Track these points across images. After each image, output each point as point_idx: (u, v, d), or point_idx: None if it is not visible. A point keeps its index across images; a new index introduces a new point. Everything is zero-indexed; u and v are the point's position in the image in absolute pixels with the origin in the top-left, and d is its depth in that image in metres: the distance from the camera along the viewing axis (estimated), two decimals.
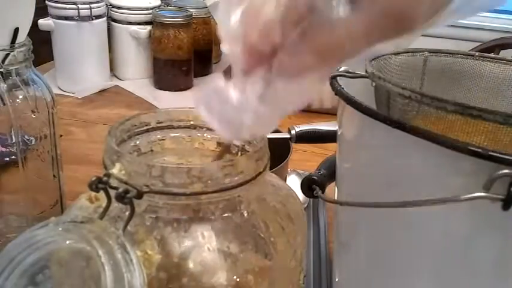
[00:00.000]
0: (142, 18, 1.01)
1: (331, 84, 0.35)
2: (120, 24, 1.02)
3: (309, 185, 0.41)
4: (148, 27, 1.01)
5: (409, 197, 0.28)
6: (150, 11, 1.01)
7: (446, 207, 0.27)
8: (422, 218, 0.31)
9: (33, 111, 0.47)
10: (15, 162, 0.47)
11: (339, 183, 0.40)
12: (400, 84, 0.30)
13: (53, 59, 0.99)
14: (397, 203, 0.29)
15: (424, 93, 0.28)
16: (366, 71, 0.34)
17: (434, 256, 0.32)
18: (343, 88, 0.34)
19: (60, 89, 0.97)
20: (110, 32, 1.02)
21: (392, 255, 0.34)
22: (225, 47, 0.24)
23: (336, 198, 0.41)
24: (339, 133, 0.39)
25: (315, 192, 0.40)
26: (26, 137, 0.47)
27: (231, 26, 0.22)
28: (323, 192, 0.41)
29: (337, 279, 0.42)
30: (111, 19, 1.02)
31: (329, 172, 0.43)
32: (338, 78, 0.35)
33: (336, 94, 0.34)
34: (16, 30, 0.44)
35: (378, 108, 0.35)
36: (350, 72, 0.35)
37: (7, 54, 0.44)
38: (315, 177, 0.41)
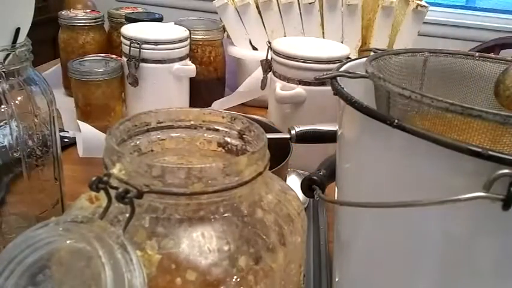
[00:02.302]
0: None
1: (332, 85, 0.35)
2: None
3: (309, 185, 0.41)
4: None
5: (409, 197, 0.28)
6: None
7: (446, 207, 0.27)
8: (422, 218, 0.31)
9: (34, 113, 0.47)
10: (17, 162, 0.47)
11: (339, 183, 0.40)
12: (400, 85, 0.30)
13: (53, 59, 0.98)
14: (397, 203, 0.29)
15: (424, 93, 0.28)
16: (366, 71, 0.34)
17: (435, 256, 0.32)
18: (343, 88, 0.34)
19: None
20: None
21: (393, 255, 0.34)
22: None
23: (336, 198, 0.41)
24: (339, 133, 0.39)
25: (315, 192, 0.40)
26: (27, 137, 0.47)
27: None
28: (323, 192, 0.41)
29: (337, 279, 0.42)
30: None
31: (329, 172, 0.43)
32: (338, 78, 0.35)
33: (335, 94, 0.34)
34: (17, 30, 0.44)
35: (378, 108, 0.35)
36: (350, 73, 0.35)
37: (8, 54, 0.44)
38: (315, 177, 0.41)
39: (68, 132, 0.76)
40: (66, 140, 0.74)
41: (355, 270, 0.39)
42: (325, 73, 0.36)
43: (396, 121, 0.28)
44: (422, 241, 0.32)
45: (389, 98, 0.33)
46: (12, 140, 0.46)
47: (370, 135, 0.33)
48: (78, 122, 0.66)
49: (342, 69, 0.39)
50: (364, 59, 0.37)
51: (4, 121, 0.45)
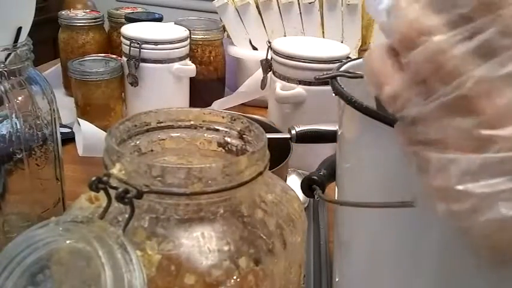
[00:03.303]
0: None
1: (332, 84, 0.35)
2: None
3: (309, 185, 0.41)
4: None
5: (409, 197, 0.28)
6: None
7: None
8: (422, 217, 0.31)
9: (35, 113, 0.47)
10: (18, 161, 0.47)
11: (339, 183, 0.40)
12: None
13: (53, 59, 0.98)
14: (397, 203, 0.29)
15: None
16: None
17: (434, 256, 0.32)
18: (343, 88, 0.34)
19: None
20: None
21: (393, 255, 0.34)
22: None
23: (336, 198, 0.41)
24: (339, 133, 0.39)
25: (315, 192, 0.40)
26: (28, 136, 0.47)
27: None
28: (323, 192, 0.41)
29: (337, 279, 0.42)
30: None
31: (329, 172, 0.43)
32: (338, 78, 0.35)
33: (336, 94, 0.34)
34: (18, 30, 0.44)
35: (377, 108, 0.35)
36: (350, 72, 0.35)
37: (9, 54, 0.44)
38: (315, 177, 0.41)
39: (70, 129, 0.74)
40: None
41: (355, 270, 0.39)
42: (325, 73, 0.36)
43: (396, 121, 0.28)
44: (422, 241, 0.32)
45: None
46: (13, 139, 0.46)
47: (370, 135, 0.33)
48: (79, 119, 0.66)
49: (342, 69, 0.39)
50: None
51: (6, 120, 0.45)
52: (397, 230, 0.33)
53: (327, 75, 0.35)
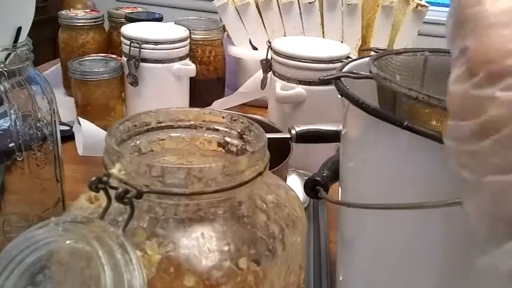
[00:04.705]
0: None
1: (336, 85, 0.35)
2: None
3: (313, 187, 0.41)
4: None
5: (413, 198, 0.28)
6: None
7: (450, 209, 0.27)
8: (425, 218, 0.30)
9: (35, 113, 0.46)
10: (18, 162, 0.47)
11: (342, 183, 0.40)
12: (407, 85, 0.30)
13: (53, 59, 0.98)
14: (401, 205, 0.29)
15: (431, 94, 0.28)
16: (370, 72, 0.34)
17: (437, 256, 0.32)
18: (348, 88, 0.34)
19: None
20: None
21: (396, 255, 0.34)
22: None
23: (339, 198, 0.41)
24: (342, 133, 0.39)
25: (319, 193, 0.40)
26: (28, 136, 0.47)
27: None
28: (327, 193, 0.40)
29: (341, 278, 0.42)
30: None
31: (332, 173, 0.43)
32: (342, 78, 0.35)
33: (341, 95, 0.34)
34: (18, 30, 0.44)
35: (381, 107, 0.35)
36: (354, 73, 0.35)
37: (9, 54, 0.44)
38: (318, 179, 0.41)
39: (70, 126, 0.74)
40: None
41: (359, 269, 0.39)
42: (329, 73, 0.35)
43: (406, 123, 0.28)
44: (425, 241, 0.32)
45: (394, 99, 0.33)
46: (13, 138, 0.46)
47: (374, 136, 0.33)
48: (79, 118, 0.66)
49: (345, 69, 0.38)
50: (366, 59, 0.36)
51: (5, 119, 0.45)
52: (401, 230, 0.33)
53: (331, 76, 0.35)
